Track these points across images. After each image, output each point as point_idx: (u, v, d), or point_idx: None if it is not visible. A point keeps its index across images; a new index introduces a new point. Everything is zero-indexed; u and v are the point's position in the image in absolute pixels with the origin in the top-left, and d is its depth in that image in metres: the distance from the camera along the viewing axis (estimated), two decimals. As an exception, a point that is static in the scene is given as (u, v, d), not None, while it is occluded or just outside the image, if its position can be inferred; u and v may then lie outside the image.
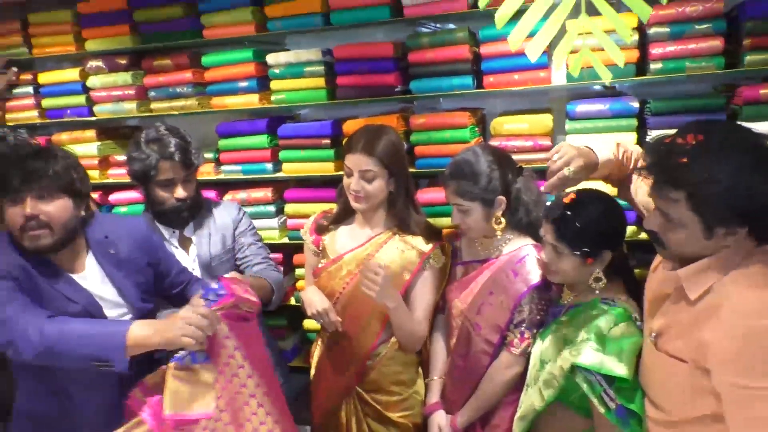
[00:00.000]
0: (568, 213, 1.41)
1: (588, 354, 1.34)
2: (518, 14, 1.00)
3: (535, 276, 1.60)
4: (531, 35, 1.04)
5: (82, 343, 1.27)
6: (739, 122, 1.74)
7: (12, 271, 1.35)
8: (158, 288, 1.67)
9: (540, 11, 0.93)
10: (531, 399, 1.49)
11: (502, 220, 1.63)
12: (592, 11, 1.01)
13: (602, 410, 1.30)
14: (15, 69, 2.81)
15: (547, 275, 1.55)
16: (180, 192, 1.83)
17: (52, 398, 1.47)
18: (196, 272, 1.90)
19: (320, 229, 1.87)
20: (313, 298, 1.75)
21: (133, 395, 1.32)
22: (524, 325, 1.60)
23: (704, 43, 1.99)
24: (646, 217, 1.24)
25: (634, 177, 1.51)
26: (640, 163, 1.33)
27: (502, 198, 1.62)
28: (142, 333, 1.28)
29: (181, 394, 1.30)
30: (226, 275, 1.50)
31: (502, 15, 0.96)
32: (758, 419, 1.02)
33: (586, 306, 1.47)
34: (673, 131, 1.14)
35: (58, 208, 1.37)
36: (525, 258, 1.63)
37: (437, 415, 1.74)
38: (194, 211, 1.92)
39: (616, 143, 1.50)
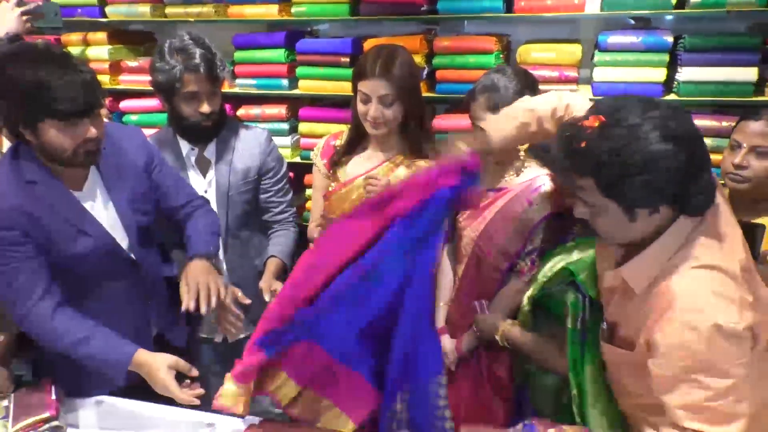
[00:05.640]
0: None
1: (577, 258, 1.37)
2: None
3: (549, 206, 1.60)
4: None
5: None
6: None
7: (19, 218, 1.36)
8: (159, 204, 1.65)
9: None
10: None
11: None
12: None
13: (569, 325, 1.33)
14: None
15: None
16: (205, 107, 1.74)
17: None
18: (210, 197, 1.85)
19: (333, 164, 1.83)
20: None
21: None
22: (535, 253, 1.62)
23: (748, -22, 1.91)
24: (575, 206, 1.15)
25: None
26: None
27: None
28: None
29: None
30: None
31: None
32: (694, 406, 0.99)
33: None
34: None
35: (101, 125, 1.41)
36: (540, 188, 1.63)
37: (442, 339, 1.77)
38: (219, 128, 1.85)
39: (559, 100, 1.33)
